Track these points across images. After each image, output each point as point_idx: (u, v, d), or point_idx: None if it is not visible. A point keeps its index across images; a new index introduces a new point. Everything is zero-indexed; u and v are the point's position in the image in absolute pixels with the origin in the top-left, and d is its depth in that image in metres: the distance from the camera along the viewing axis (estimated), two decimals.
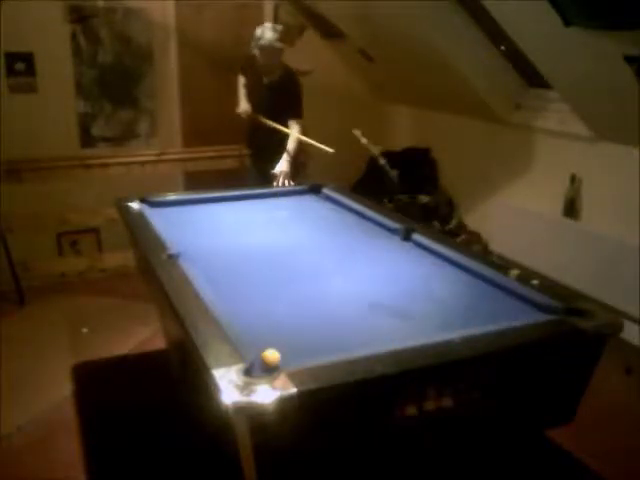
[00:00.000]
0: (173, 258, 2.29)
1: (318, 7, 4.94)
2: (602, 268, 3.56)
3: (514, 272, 2.20)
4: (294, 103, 3.96)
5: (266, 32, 3.83)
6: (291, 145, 3.88)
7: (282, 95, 3.96)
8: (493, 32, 4.11)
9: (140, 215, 2.88)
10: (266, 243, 2.66)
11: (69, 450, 2.68)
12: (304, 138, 3.85)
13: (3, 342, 3.47)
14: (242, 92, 4.22)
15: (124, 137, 4.89)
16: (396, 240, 2.67)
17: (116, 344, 3.58)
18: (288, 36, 4.77)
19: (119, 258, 4.36)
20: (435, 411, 1.63)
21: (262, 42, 3.84)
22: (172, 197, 3.25)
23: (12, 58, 4.39)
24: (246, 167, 4.44)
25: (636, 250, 3.33)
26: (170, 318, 2.07)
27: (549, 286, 2.15)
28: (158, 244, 2.46)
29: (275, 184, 3.78)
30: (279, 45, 3.85)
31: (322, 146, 3.68)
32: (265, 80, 4.02)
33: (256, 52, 3.92)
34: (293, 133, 3.90)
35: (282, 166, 3.82)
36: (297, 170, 3.94)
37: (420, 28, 4.17)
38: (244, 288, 2.18)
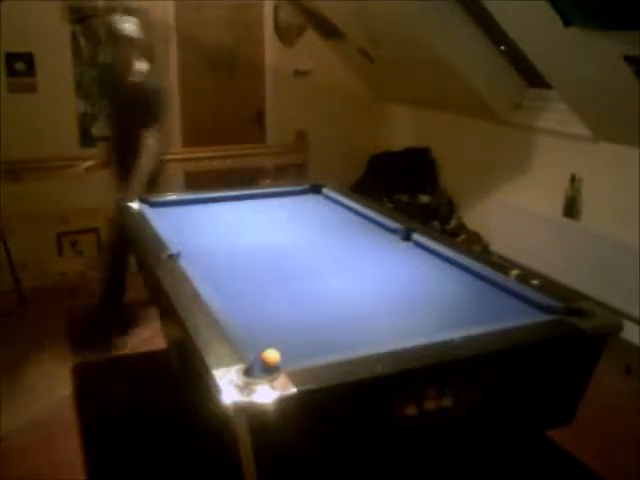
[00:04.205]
0: (173, 258, 2.29)
1: (318, 7, 4.93)
2: (602, 268, 3.56)
3: (514, 272, 2.20)
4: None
5: None
6: None
7: None
8: (493, 32, 4.10)
9: (140, 215, 2.88)
10: (266, 243, 2.66)
11: (69, 450, 2.69)
12: None
13: (3, 342, 3.46)
14: None
15: None
16: (396, 240, 2.67)
17: (116, 344, 3.58)
18: (287, 35, 4.77)
19: None
20: (435, 411, 1.63)
21: None
22: (172, 197, 3.25)
23: (12, 58, 4.38)
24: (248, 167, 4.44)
25: (636, 250, 3.33)
26: (170, 318, 2.07)
27: (549, 286, 2.15)
28: (158, 244, 2.46)
29: None
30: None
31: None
32: None
33: None
34: None
35: None
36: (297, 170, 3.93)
37: (420, 28, 4.17)
38: (244, 288, 2.18)
